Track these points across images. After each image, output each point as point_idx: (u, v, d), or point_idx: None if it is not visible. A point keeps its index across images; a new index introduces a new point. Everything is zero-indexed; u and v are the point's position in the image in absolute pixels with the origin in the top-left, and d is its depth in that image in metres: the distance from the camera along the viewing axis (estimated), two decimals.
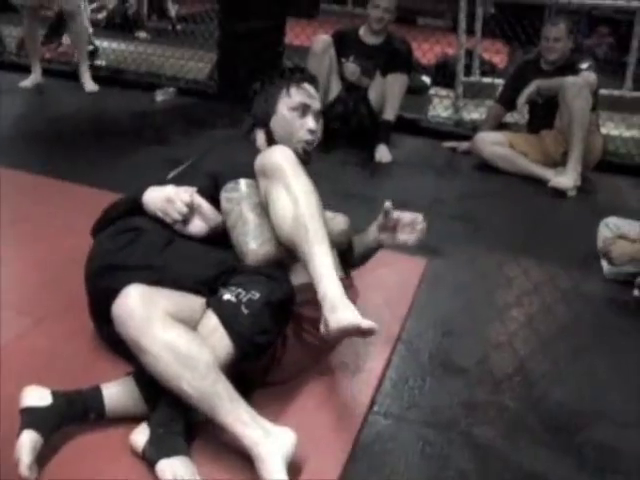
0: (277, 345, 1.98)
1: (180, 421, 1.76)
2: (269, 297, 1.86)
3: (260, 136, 2.33)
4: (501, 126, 4.96)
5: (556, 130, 4.43)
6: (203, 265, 1.97)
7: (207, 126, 4.91)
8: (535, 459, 1.97)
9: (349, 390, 2.13)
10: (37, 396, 1.76)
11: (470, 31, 5.93)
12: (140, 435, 1.76)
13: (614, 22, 8.27)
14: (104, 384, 1.84)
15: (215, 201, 2.08)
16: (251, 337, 1.81)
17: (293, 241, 1.91)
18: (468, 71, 6.13)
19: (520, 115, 4.97)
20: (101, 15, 8.33)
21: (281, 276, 1.99)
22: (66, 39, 6.73)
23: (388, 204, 2.27)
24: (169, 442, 1.72)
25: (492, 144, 4.53)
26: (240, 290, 1.85)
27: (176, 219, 2.03)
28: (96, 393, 1.81)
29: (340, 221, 2.27)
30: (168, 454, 1.68)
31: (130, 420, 1.82)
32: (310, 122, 2.30)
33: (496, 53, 7.25)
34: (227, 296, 1.85)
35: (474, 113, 5.62)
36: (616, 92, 5.86)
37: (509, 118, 5.12)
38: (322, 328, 1.79)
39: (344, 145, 4.65)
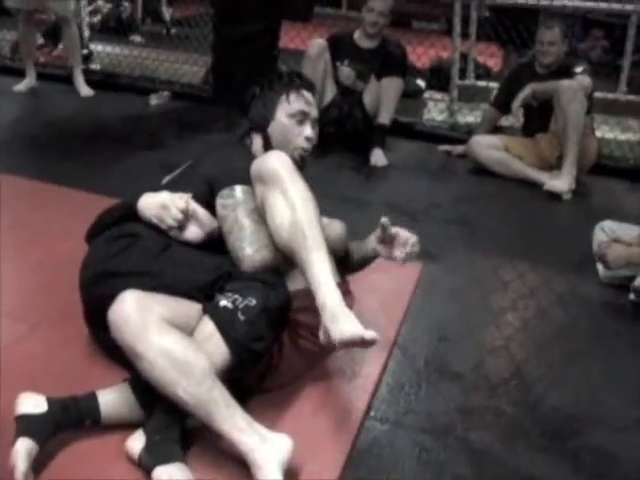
0: (273, 351, 1.98)
1: (176, 428, 1.76)
2: (266, 303, 1.86)
3: (257, 141, 2.33)
4: (496, 129, 4.96)
5: (551, 133, 4.43)
6: (199, 271, 1.97)
7: (202, 130, 4.90)
8: (532, 464, 1.97)
9: (345, 396, 2.13)
10: (32, 403, 1.76)
11: (465, 34, 5.93)
12: (136, 442, 1.75)
13: (608, 25, 8.27)
14: (100, 390, 1.84)
15: (210, 206, 2.07)
16: (247, 344, 1.81)
17: (291, 248, 1.91)
18: (463, 74, 6.14)
19: (515, 119, 4.96)
20: (95, 19, 8.29)
21: (277, 282, 1.98)
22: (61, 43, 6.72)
23: (385, 220, 2.27)
24: (165, 449, 1.71)
25: (487, 148, 4.53)
26: (237, 296, 1.85)
27: (171, 225, 2.03)
28: (92, 400, 1.81)
29: (336, 227, 2.27)
30: (164, 461, 1.68)
31: (126, 427, 1.82)
32: (308, 130, 2.31)
33: (491, 56, 7.24)
34: (223, 302, 1.84)
35: (469, 116, 5.64)
36: (610, 95, 5.87)
37: (504, 122, 5.12)
38: (322, 336, 1.78)
39: (339, 149, 4.65)
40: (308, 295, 1.86)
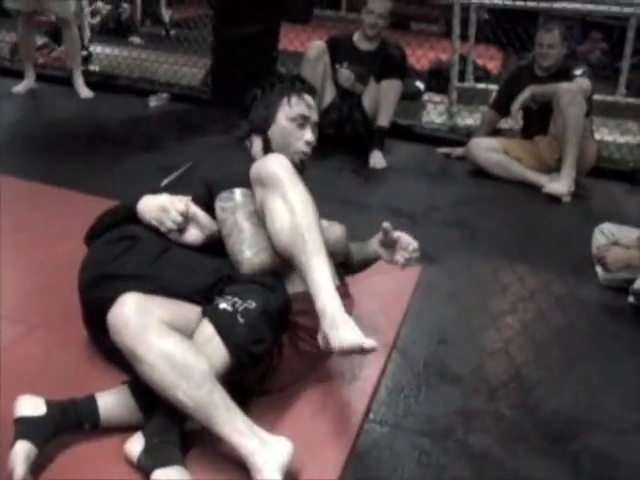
0: (273, 354, 1.98)
1: (175, 430, 1.76)
2: (265, 306, 1.86)
3: (257, 143, 2.32)
4: (495, 132, 4.96)
5: (550, 136, 4.43)
6: (199, 274, 1.96)
7: (201, 132, 4.89)
8: (531, 467, 1.96)
9: (345, 398, 2.13)
10: (31, 405, 1.75)
11: (464, 37, 5.93)
12: (135, 444, 1.75)
13: (607, 28, 8.28)
14: (99, 393, 1.83)
15: (210, 209, 2.07)
16: (247, 347, 1.81)
17: (290, 252, 1.91)
18: (462, 77, 6.13)
19: (514, 121, 4.97)
20: (95, 20, 8.29)
21: (277, 285, 1.98)
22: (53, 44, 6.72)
23: (386, 224, 2.27)
24: (164, 451, 1.71)
25: (486, 150, 4.53)
26: (236, 299, 1.85)
27: (171, 228, 2.02)
28: (91, 402, 1.80)
29: (336, 230, 2.26)
30: (163, 464, 1.68)
31: (125, 429, 1.81)
32: (308, 134, 2.31)
33: (490, 59, 7.26)
34: (223, 305, 1.84)
35: (468, 119, 5.63)
36: (610, 98, 5.87)
37: (503, 124, 5.12)
38: (321, 342, 1.78)
39: (338, 151, 4.65)
40: (307, 298, 1.85)
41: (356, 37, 4.79)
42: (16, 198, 3.28)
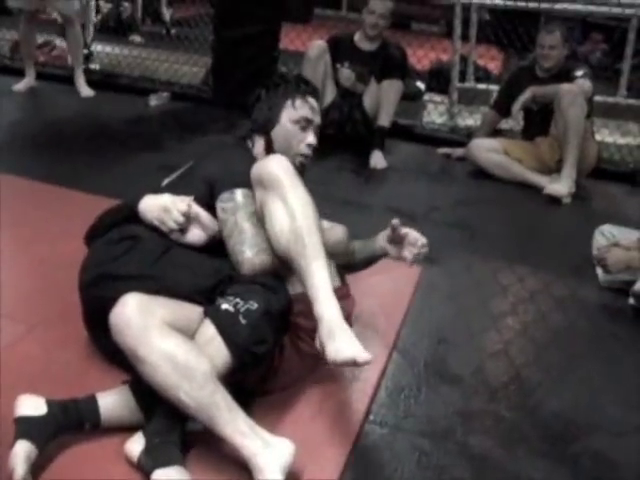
0: (274, 355, 1.98)
1: (176, 431, 1.76)
2: (267, 307, 1.86)
3: (259, 143, 2.32)
4: (496, 133, 4.96)
5: (551, 137, 4.43)
6: (200, 274, 1.97)
7: (201, 131, 4.89)
8: (531, 469, 1.96)
9: (345, 399, 2.13)
10: (32, 405, 1.75)
11: (465, 37, 5.93)
12: (135, 444, 1.75)
13: (608, 29, 8.27)
14: (99, 393, 1.83)
15: (211, 208, 2.07)
16: (249, 347, 1.81)
17: (289, 255, 1.91)
18: (463, 77, 6.13)
19: (515, 122, 4.96)
20: (95, 18, 8.29)
21: (278, 286, 1.98)
22: (61, 43, 6.70)
23: (395, 221, 2.28)
24: (165, 452, 1.71)
25: (487, 151, 4.53)
26: (238, 300, 1.85)
27: (172, 228, 2.02)
28: (91, 402, 1.80)
29: (338, 232, 2.27)
30: (164, 464, 1.68)
31: (125, 430, 1.81)
32: (311, 137, 2.31)
33: (491, 59, 7.25)
34: (225, 306, 1.84)
35: (469, 119, 5.63)
36: (610, 99, 5.86)
37: (504, 125, 5.12)
38: (318, 347, 1.78)
39: (339, 151, 4.64)
40: (308, 299, 1.85)
41: (357, 37, 4.79)
42: (16, 197, 3.28)
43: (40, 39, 6.43)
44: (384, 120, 4.68)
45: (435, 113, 5.84)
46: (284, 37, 5.94)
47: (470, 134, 5.08)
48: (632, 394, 2.38)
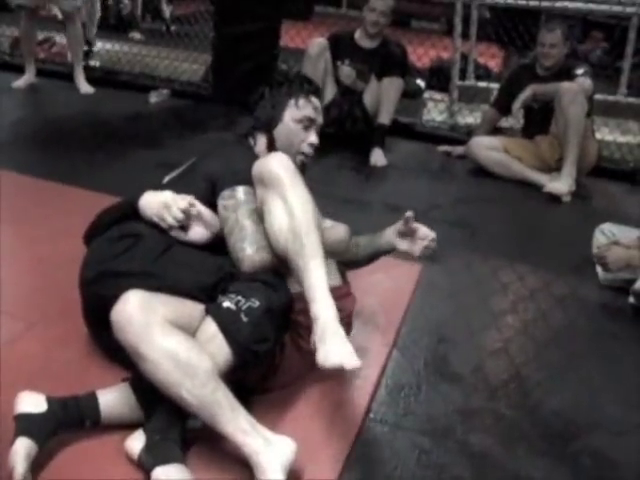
0: (275, 353, 1.98)
1: (176, 428, 1.76)
2: (269, 305, 1.86)
3: (261, 141, 2.32)
4: (496, 131, 4.95)
5: (551, 135, 4.43)
6: (201, 271, 1.96)
7: (201, 128, 4.89)
8: (531, 467, 1.96)
9: (345, 397, 2.13)
10: (32, 402, 1.75)
11: (465, 35, 5.92)
12: (136, 441, 1.75)
13: (608, 27, 8.27)
14: (100, 390, 1.83)
15: (213, 206, 2.07)
16: (250, 345, 1.80)
17: (288, 254, 1.91)
18: (463, 75, 6.14)
19: (515, 120, 4.96)
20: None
21: (280, 284, 1.98)
22: (61, 39, 6.69)
23: (410, 213, 2.29)
24: (165, 449, 1.71)
25: (487, 149, 4.53)
26: (240, 298, 1.85)
27: (172, 225, 2.02)
28: (92, 400, 1.80)
29: (340, 231, 2.27)
30: (164, 461, 1.68)
31: (126, 427, 1.81)
32: (313, 137, 2.31)
33: (491, 57, 7.23)
34: (227, 304, 1.84)
35: (469, 117, 5.63)
36: (611, 97, 5.86)
37: (504, 123, 5.12)
38: (312, 347, 1.79)
39: (339, 149, 4.64)
40: None
41: (357, 34, 4.79)
42: (15, 193, 3.28)
43: (40, 36, 6.42)
44: (384, 118, 4.68)
45: (435, 111, 5.83)
46: (284, 34, 5.94)
47: (470, 132, 5.07)
48: (632, 393, 2.38)
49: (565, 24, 4.75)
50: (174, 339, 1.73)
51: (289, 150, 2.22)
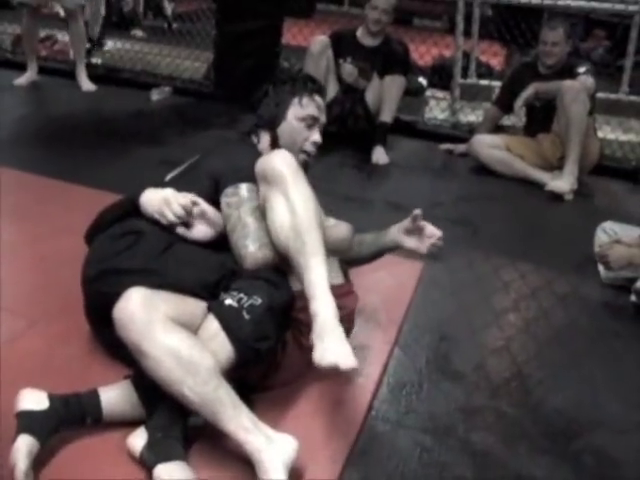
0: (277, 351, 1.98)
1: (178, 425, 1.76)
2: (271, 303, 1.86)
3: (265, 139, 2.33)
4: (498, 129, 4.95)
5: (553, 134, 4.42)
6: (203, 269, 1.97)
7: (203, 126, 4.89)
8: (533, 465, 1.96)
9: (346, 395, 2.13)
10: (34, 400, 1.75)
11: (467, 33, 5.92)
12: (138, 439, 1.75)
13: (610, 25, 8.26)
14: (101, 388, 1.83)
15: (216, 204, 2.08)
16: (252, 343, 1.80)
17: (288, 251, 1.91)
18: (465, 73, 6.13)
19: (517, 118, 4.95)
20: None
21: (282, 281, 1.98)
22: (63, 37, 6.69)
23: (418, 211, 2.30)
24: (167, 447, 1.71)
25: (489, 147, 4.53)
26: (242, 295, 1.85)
27: (172, 221, 2.02)
28: (94, 397, 1.80)
29: (342, 229, 2.27)
30: (166, 459, 1.68)
31: (127, 424, 1.81)
32: (316, 136, 2.32)
33: (493, 55, 7.24)
34: (229, 301, 1.84)
35: (471, 115, 5.63)
36: (613, 96, 5.86)
37: (506, 121, 5.11)
38: (311, 342, 1.79)
39: (341, 147, 4.63)
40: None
41: (359, 32, 4.78)
42: (17, 191, 3.28)
43: (42, 33, 6.43)
44: (386, 116, 4.68)
45: (437, 109, 5.83)
46: (286, 32, 5.95)
47: (472, 130, 5.07)
48: (634, 391, 2.38)
49: (567, 22, 4.75)
50: (176, 336, 1.73)
51: (292, 148, 2.22)
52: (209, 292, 1.92)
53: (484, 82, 6.20)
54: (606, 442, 2.09)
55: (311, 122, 2.31)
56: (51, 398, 1.76)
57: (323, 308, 1.80)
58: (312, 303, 1.82)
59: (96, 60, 6.55)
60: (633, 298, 2.91)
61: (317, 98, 2.35)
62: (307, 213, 1.92)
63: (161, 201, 2.05)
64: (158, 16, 9.07)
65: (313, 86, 2.37)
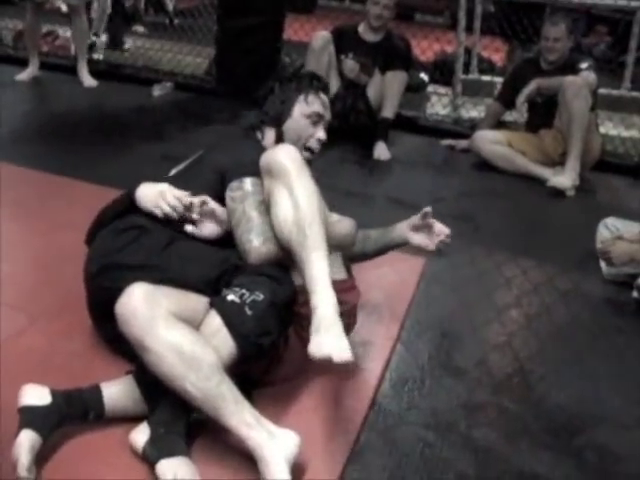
0: (279, 346, 1.98)
1: (181, 421, 1.76)
2: (273, 298, 1.86)
3: (270, 135, 2.33)
4: (500, 125, 4.95)
5: (555, 129, 4.42)
6: (206, 264, 1.97)
7: (204, 121, 4.88)
8: (535, 461, 1.96)
9: (349, 391, 2.12)
10: (36, 395, 1.75)
11: (469, 28, 5.91)
12: (140, 435, 1.75)
13: (612, 21, 8.25)
14: (104, 383, 1.83)
15: (221, 198, 2.08)
16: (254, 339, 1.80)
17: (291, 245, 1.91)
18: (467, 69, 6.12)
19: (519, 114, 4.96)
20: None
21: (284, 277, 1.98)
22: (64, 32, 6.69)
23: (428, 208, 2.34)
24: (170, 442, 1.71)
25: (491, 142, 4.53)
26: (244, 291, 1.85)
27: (167, 212, 2.02)
28: (96, 392, 1.80)
29: (346, 225, 2.27)
30: (168, 454, 1.68)
31: (129, 420, 1.81)
32: (321, 133, 2.33)
33: (495, 51, 7.24)
34: (231, 297, 1.84)
35: (472, 111, 5.62)
36: (614, 92, 5.85)
37: (508, 117, 5.11)
38: (310, 335, 1.79)
39: (343, 142, 4.61)
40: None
41: (361, 28, 4.78)
42: (18, 186, 3.28)
43: (43, 29, 6.42)
44: (388, 111, 4.67)
45: (439, 105, 5.83)
46: (288, 28, 5.94)
47: (474, 126, 5.07)
48: (636, 387, 2.38)
49: (569, 18, 4.75)
50: (178, 332, 1.73)
51: (297, 145, 2.22)
52: (211, 288, 1.91)
53: (486, 78, 6.20)
54: (608, 438, 2.09)
55: (316, 119, 2.32)
56: (53, 393, 1.76)
57: (323, 302, 1.80)
58: (312, 297, 1.82)
59: (98, 56, 6.54)
60: (635, 294, 2.91)
61: (322, 96, 2.37)
62: (310, 207, 1.92)
63: (157, 194, 2.05)
64: (159, 12, 9.06)
65: (319, 84, 2.38)
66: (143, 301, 1.74)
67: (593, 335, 2.70)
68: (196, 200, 2.01)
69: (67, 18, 5.89)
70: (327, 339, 1.73)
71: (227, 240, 2.05)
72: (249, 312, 1.81)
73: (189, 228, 2.03)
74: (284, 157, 1.98)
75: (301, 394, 2.07)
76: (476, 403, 2.20)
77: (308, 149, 2.31)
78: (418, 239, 2.40)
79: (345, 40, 4.75)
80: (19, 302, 2.38)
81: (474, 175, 4.48)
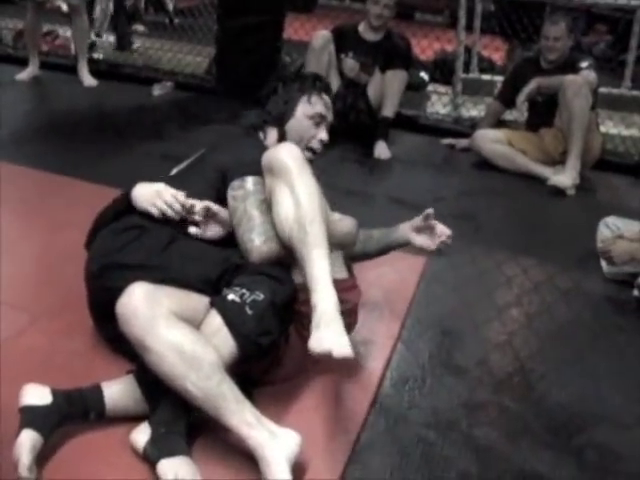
0: (280, 345, 1.98)
1: (182, 421, 1.76)
2: (273, 298, 1.86)
3: (272, 134, 2.34)
4: (500, 123, 4.94)
5: (555, 128, 4.42)
6: (206, 264, 1.97)
7: (204, 120, 4.88)
8: (536, 460, 1.96)
9: (349, 390, 2.13)
10: (37, 395, 1.75)
11: (469, 27, 5.91)
12: (141, 434, 1.75)
13: (612, 20, 8.24)
14: (104, 383, 1.83)
15: (223, 198, 2.09)
16: (255, 338, 1.81)
17: (292, 242, 1.91)
18: (467, 68, 6.12)
19: (519, 113, 4.95)
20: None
21: (284, 276, 1.98)
22: (64, 32, 6.68)
23: (430, 210, 2.35)
24: (171, 442, 1.71)
25: (491, 141, 4.53)
26: (244, 291, 1.85)
27: (163, 210, 2.02)
28: (97, 392, 1.80)
29: (347, 224, 2.27)
30: (169, 454, 1.68)
31: (130, 419, 1.81)
32: (323, 134, 2.34)
33: (495, 50, 7.23)
34: (231, 296, 1.84)
35: (473, 110, 5.62)
36: (615, 91, 5.85)
37: (508, 116, 5.11)
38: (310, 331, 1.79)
39: (343, 141, 4.60)
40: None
41: (361, 27, 4.78)
42: (18, 186, 3.28)
43: (44, 28, 6.42)
44: (388, 110, 4.67)
45: (439, 104, 5.82)
46: (288, 27, 5.93)
47: (474, 125, 5.06)
48: (637, 386, 2.38)
49: (569, 17, 4.74)
50: (179, 331, 1.73)
51: (299, 145, 2.22)
52: (212, 287, 1.92)
53: (486, 77, 6.21)
54: (609, 437, 2.09)
55: (319, 120, 2.33)
56: (54, 393, 1.76)
57: (323, 299, 1.80)
58: (313, 295, 1.82)
59: (98, 55, 6.54)
60: (636, 293, 2.91)
61: (325, 97, 2.38)
62: (311, 205, 1.92)
63: (153, 193, 2.06)
64: (159, 11, 9.05)
65: (321, 85, 2.39)
66: (144, 301, 1.74)
67: (594, 334, 2.70)
68: (198, 206, 2.02)
69: (67, 17, 5.88)
70: (327, 334, 1.73)
71: (228, 239, 2.05)
72: (249, 312, 1.81)
73: (192, 230, 2.04)
74: (286, 155, 1.99)
75: (302, 393, 2.07)
76: (477, 402, 2.20)
77: (310, 149, 2.31)
78: (420, 240, 2.42)
79: (345, 39, 4.75)
80: (20, 301, 2.38)
81: (474, 174, 4.48)
